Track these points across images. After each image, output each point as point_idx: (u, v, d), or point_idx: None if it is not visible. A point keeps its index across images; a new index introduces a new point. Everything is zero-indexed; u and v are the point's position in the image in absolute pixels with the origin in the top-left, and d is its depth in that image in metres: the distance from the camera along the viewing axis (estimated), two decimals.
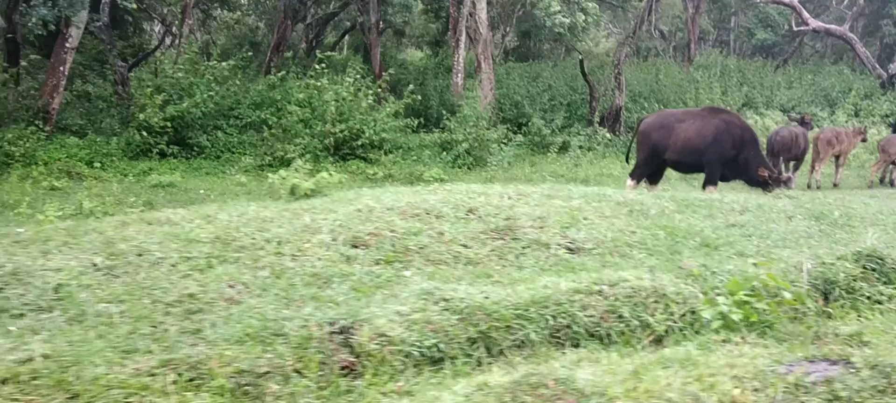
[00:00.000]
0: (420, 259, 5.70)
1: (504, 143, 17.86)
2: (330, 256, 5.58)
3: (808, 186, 14.19)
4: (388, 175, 14.31)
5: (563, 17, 21.56)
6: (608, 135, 20.15)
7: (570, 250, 6.09)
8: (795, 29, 25.17)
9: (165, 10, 24.01)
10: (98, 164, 14.57)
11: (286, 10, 26.84)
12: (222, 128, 16.50)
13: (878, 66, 23.46)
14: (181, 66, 17.66)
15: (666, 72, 24.30)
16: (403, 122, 16.84)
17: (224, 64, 17.50)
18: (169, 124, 15.29)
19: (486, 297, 4.49)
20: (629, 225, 6.85)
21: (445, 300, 4.42)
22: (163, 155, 15.30)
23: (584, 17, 21.95)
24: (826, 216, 7.93)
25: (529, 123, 20.19)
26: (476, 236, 6.16)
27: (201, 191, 12.60)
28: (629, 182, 11.29)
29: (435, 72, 25.74)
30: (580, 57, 21.90)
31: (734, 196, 8.71)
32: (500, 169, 15.98)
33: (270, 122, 15.59)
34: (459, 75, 22.63)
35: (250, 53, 21.56)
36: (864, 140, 14.82)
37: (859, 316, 4.89)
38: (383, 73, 19.96)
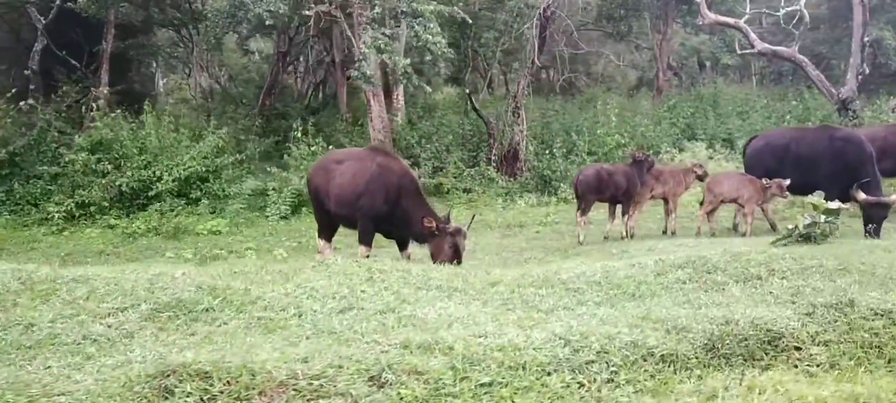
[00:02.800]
0: None
1: None
2: None
3: (664, 231, 12.08)
4: (150, 229, 12.78)
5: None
6: (496, 176, 18.23)
7: None
8: (740, 52, 22.58)
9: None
10: None
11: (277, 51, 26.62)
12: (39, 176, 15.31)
13: (832, 89, 20.55)
14: None
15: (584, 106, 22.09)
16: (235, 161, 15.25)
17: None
18: None
19: None
20: None
21: None
22: None
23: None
24: None
25: (418, 165, 18.57)
26: None
27: None
28: (319, 242, 9.45)
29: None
30: (467, 90, 19.98)
31: None
32: None
33: (49, 173, 14.33)
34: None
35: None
36: (700, 178, 12.29)
37: None
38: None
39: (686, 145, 19.55)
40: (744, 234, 11.68)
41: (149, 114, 15.63)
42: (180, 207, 14.07)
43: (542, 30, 18.76)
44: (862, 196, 11.18)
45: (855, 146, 11.91)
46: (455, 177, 18.03)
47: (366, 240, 8.61)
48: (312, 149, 15.89)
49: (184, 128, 16.35)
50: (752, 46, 21.69)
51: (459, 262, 8.20)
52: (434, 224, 8.12)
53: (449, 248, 8.17)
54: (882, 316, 4.79)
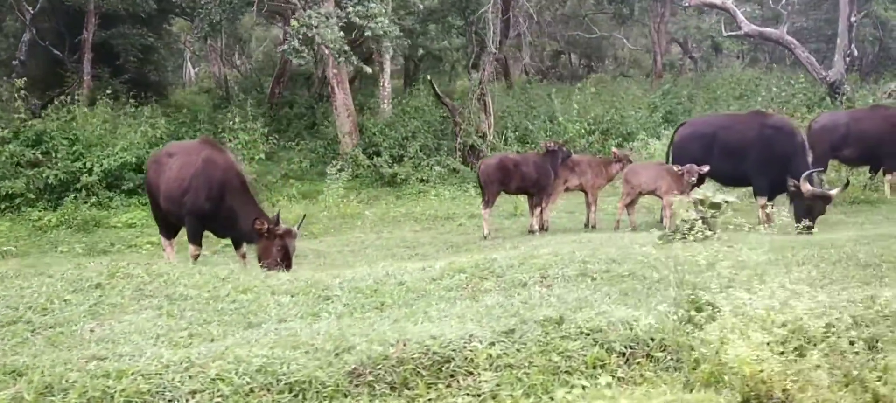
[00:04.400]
0: None
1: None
2: None
3: (586, 224, 11.45)
4: (62, 222, 12.64)
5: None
6: (460, 166, 17.72)
7: None
8: (726, 34, 21.44)
9: None
10: None
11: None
12: None
13: (823, 72, 19.32)
14: None
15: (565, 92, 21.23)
16: None
17: None
18: None
19: None
20: None
21: None
22: None
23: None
24: None
25: (379, 154, 18.21)
26: None
27: None
28: (163, 241, 9.06)
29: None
30: (428, 77, 19.38)
31: None
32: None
33: None
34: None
35: None
36: (623, 169, 11.50)
37: None
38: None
39: (664, 133, 18.58)
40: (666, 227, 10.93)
41: (78, 105, 15.56)
42: (108, 200, 13.91)
43: (505, 11, 18.01)
44: (808, 188, 10.34)
45: (785, 135, 11.03)
46: (413, 167, 17.54)
47: (194, 239, 8.21)
48: (245, 137, 15.57)
49: (162, 120, 16.15)
50: (740, 28, 20.54)
51: (289, 266, 7.75)
52: (264, 225, 7.66)
53: (277, 251, 7.71)
54: (586, 335, 4.18)
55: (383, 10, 15.43)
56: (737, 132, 11.30)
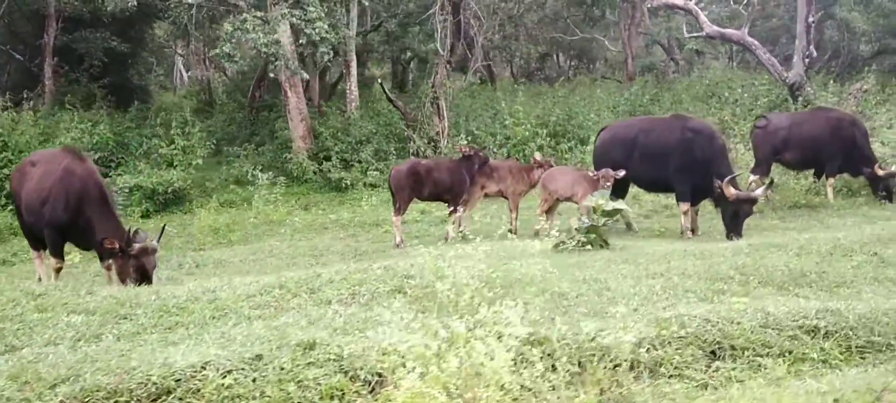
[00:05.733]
0: None
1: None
2: None
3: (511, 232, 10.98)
4: None
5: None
6: None
7: None
8: (687, 35, 21.06)
9: None
10: None
11: None
12: None
13: (784, 73, 18.93)
14: None
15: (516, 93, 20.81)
16: None
17: None
18: None
19: None
20: None
21: None
22: None
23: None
24: None
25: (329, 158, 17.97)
26: None
27: None
28: (33, 254, 8.79)
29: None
30: (378, 79, 19.08)
31: None
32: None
33: None
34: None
35: None
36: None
37: None
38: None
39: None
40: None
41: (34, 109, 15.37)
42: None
43: (455, 13, 17.69)
44: (732, 191, 10.02)
45: (705, 139, 10.68)
46: (361, 173, 17.27)
47: (54, 252, 7.93)
48: (182, 142, 15.31)
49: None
50: (702, 29, 20.16)
51: (149, 282, 7.44)
52: (115, 244, 7.35)
53: (133, 270, 7.40)
54: (334, 361, 3.86)
55: (321, 15, 15.14)
56: (657, 136, 10.95)
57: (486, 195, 11.39)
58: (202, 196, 15.56)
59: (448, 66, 18.53)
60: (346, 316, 4.63)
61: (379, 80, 18.65)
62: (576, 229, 8.32)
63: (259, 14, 14.81)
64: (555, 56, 41.01)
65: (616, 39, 36.02)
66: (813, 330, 4.38)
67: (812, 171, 13.73)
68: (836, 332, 4.35)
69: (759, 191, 10.17)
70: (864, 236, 7.05)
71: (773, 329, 4.37)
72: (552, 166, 11.31)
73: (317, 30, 14.93)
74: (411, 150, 18.20)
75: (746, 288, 5.62)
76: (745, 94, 19.52)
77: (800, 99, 18.03)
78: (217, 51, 14.94)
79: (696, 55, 32.58)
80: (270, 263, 9.80)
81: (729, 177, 10.12)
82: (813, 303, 4.67)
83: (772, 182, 10.63)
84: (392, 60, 30.07)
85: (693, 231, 11.03)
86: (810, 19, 17.74)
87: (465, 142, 14.15)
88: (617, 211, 8.60)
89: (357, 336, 4.12)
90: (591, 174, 10.58)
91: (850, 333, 4.34)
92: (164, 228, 8.42)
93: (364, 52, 33.11)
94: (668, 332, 4.23)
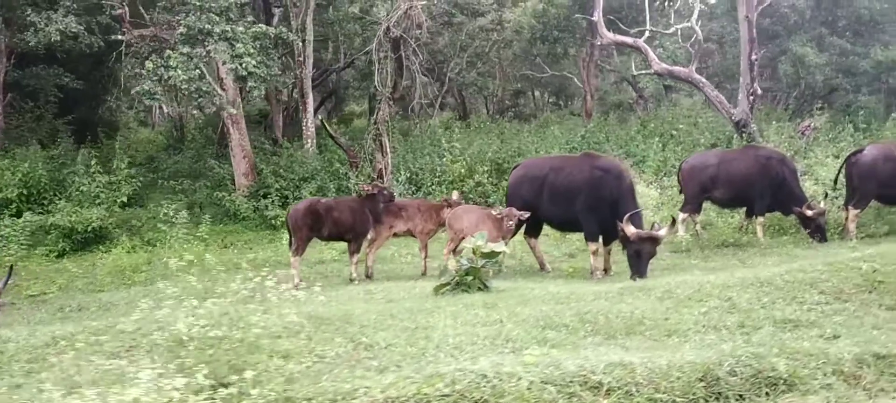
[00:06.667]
0: None
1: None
2: None
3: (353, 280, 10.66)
4: None
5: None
6: None
7: None
8: (636, 73, 20.96)
9: None
10: None
11: None
12: None
13: (732, 110, 18.76)
14: None
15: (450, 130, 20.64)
16: None
17: None
18: None
19: None
20: None
21: None
22: None
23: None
24: None
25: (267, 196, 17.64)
26: None
27: None
28: None
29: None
30: (320, 118, 18.86)
31: None
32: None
33: None
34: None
35: None
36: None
37: None
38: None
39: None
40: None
41: None
42: None
43: (396, 49, 17.51)
44: (632, 230, 9.70)
45: (613, 177, 10.39)
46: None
47: None
48: (103, 179, 14.99)
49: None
50: (650, 66, 20.05)
51: None
52: None
53: None
54: None
55: (250, 51, 14.92)
56: (566, 174, 10.67)
57: (396, 235, 11.05)
58: (129, 234, 15.19)
59: (391, 102, 18.31)
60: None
61: (321, 119, 18.34)
62: (455, 270, 7.97)
63: (184, 50, 14.57)
64: (531, 93, 41.10)
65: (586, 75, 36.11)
66: (596, 386, 4.02)
67: (744, 210, 13.46)
68: (619, 388, 3.99)
69: (662, 231, 9.83)
70: (733, 279, 6.68)
71: (554, 384, 4.01)
72: (459, 204, 11.00)
73: (244, 64, 14.70)
74: (354, 187, 17.91)
75: (574, 337, 5.26)
76: (695, 131, 19.35)
77: (745, 134, 17.85)
78: (138, 88, 14.65)
79: (665, 91, 32.55)
80: (120, 309, 9.42)
81: (628, 214, 9.81)
82: (609, 356, 4.31)
83: (673, 221, 10.30)
84: (368, 97, 30.09)
85: (606, 270, 10.72)
86: (753, 57, 17.61)
87: (368, 181, 13.82)
88: (496, 252, 8.24)
89: None
90: (494, 213, 10.27)
91: (634, 390, 3.98)
92: (11, 272, 8.05)
93: (339, 89, 33.30)
94: (432, 390, 3.86)
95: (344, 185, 18.06)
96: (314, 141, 22.12)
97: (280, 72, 17.92)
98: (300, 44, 19.41)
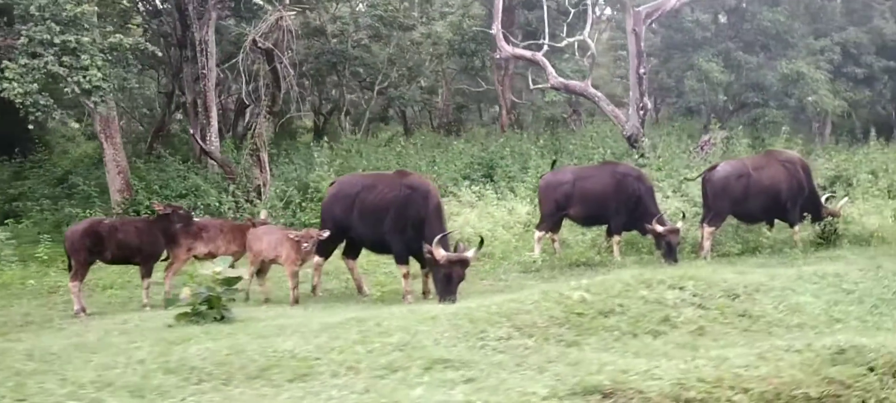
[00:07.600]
0: None
1: None
2: None
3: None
4: None
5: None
6: None
7: None
8: (532, 87, 20.42)
9: None
10: None
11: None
12: None
13: (627, 125, 18.21)
14: None
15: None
16: None
17: None
18: None
19: None
20: None
21: None
22: None
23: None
24: None
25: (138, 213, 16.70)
26: None
27: None
28: None
29: None
30: (190, 130, 18.05)
31: None
32: None
33: None
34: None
35: None
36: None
37: None
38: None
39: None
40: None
41: None
42: None
43: (269, 62, 16.78)
44: (441, 253, 9.04)
45: (420, 196, 9.70)
46: None
47: None
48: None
49: None
50: (548, 80, 19.48)
51: None
52: None
53: None
54: None
55: (98, 64, 14.11)
56: (377, 193, 9.95)
57: (196, 257, 10.26)
58: None
59: (268, 115, 17.57)
60: None
61: (191, 132, 17.52)
62: (192, 297, 7.20)
63: (23, 62, 13.72)
64: (477, 107, 40.54)
65: (519, 90, 35.61)
66: None
67: (604, 228, 12.85)
68: None
69: (469, 253, 9.15)
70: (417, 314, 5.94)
71: None
72: (265, 224, 10.26)
73: (87, 77, 13.89)
74: (227, 205, 17.07)
75: (185, 388, 4.50)
76: (589, 145, 18.80)
77: (637, 149, 17.32)
78: None
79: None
80: None
81: (437, 237, 9.13)
82: None
83: (481, 241, 9.60)
84: (314, 111, 29.45)
85: (424, 294, 10.01)
86: (641, 71, 17.12)
87: (161, 201, 12.96)
88: (237, 278, 7.50)
89: None
90: (291, 234, 9.52)
91: None
92: None
93: (286, 102, 32.50)
94: None
95: (222, 202, 17.22)
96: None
97: (138, 85, 17.01)
98: (203, 58, 18.58)
